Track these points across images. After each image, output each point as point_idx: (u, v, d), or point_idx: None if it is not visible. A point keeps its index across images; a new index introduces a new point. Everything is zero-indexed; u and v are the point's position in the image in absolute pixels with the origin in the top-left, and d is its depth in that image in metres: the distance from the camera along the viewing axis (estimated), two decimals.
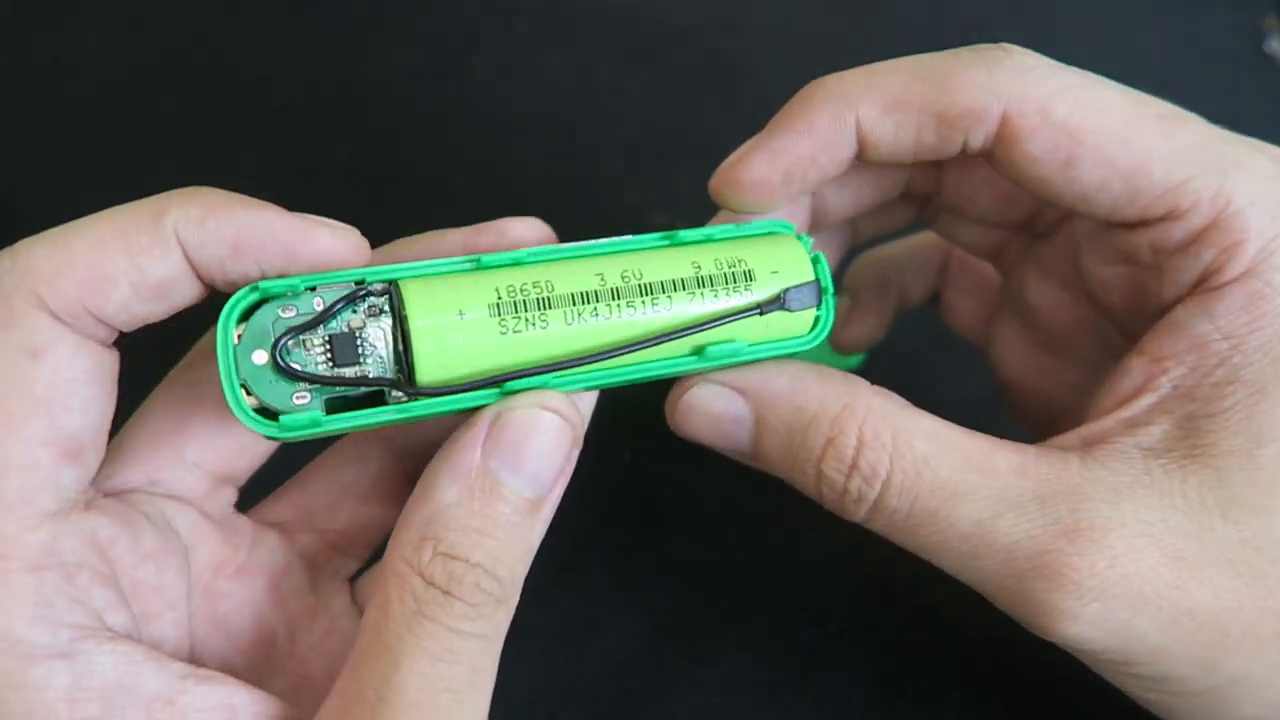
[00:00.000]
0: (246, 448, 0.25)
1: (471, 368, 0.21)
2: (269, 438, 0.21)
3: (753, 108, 0.42)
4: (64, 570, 0.20)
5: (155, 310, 0.21)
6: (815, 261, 0.24)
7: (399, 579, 0.20)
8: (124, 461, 0.23)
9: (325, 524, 0.26)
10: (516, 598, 0.21)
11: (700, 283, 0.23)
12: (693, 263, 0.23)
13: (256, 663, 0.24)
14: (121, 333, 0.21)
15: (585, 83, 0.42)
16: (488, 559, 0.20)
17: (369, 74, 0.42)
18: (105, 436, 0.21)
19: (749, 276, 0.23)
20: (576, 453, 0.22)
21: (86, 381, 0.20)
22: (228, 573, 0.24)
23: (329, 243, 0.21)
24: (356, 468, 0.26)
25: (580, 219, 0.39)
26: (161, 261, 0.20)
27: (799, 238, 0.24)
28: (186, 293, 0.21)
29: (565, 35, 0.43)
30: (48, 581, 0.20)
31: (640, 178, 0.39)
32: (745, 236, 0.24)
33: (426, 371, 0.21)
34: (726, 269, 0.23)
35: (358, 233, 0.22)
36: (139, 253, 0.20)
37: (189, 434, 0.24)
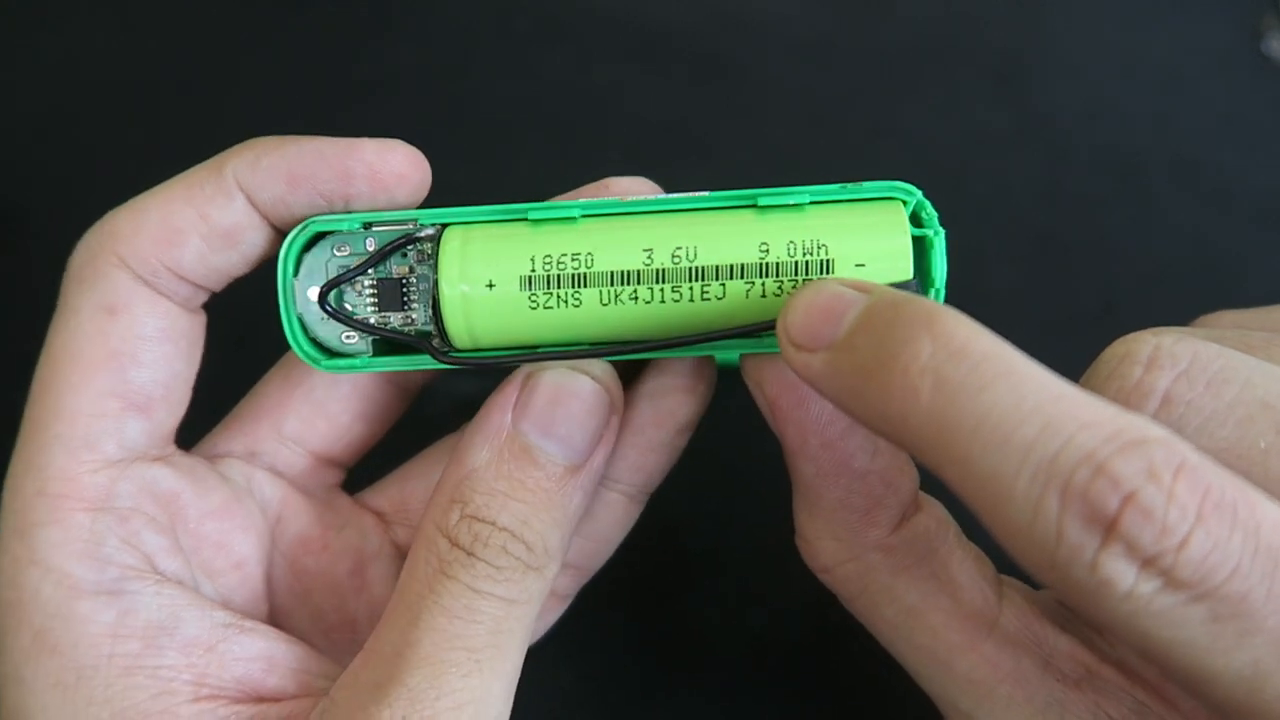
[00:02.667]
0: (343, 429, 0.25)
1: (501, 339, 0.21)
2: (319, 369, 0.22)
3: (753, 108, 0.42)
4: (119, 513, 0.21)
5: (230, 260, 0.22)
6: (927, 248, 0.20)
7: (426, 541, 0.20)
8: (229, 431, 0.24)
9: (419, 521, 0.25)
10: (553, 566, 0.21)
11: (763, 271, 0.19)
12: (761, 244, 0.19)
13: (338, 643, 0.24)
14: (213, 294, 0.22)
15: (585, 83, 0.42)
16: (514, 523, 0.20)
17: (369, 74, 0.42)
18: (182, 393, 0.22)
19: (826, 268, 0.19)
20: (616, 420, 0.22)
21: (160, 340, 0.21)
22: (313, 549, 0.24)
23: (377, 154, 0.21)
24: None
25: None
26: (226, 208, 0.21)
27: (917, 210, 0.20)
28: (257, 238, 0.22)
29: (565, 35, 0.43)
30: (102, 522, 0.20)
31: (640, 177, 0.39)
32: (845, 202, 0.20)
33: (457, 338, 0.21)
34: (801, 256, 0.19)
35: (405, 144, 0.22)
36: (204, 202, 0.21)
37: (287, 409, 0.24)
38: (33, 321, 0.22)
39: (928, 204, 0.20)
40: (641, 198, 0.21)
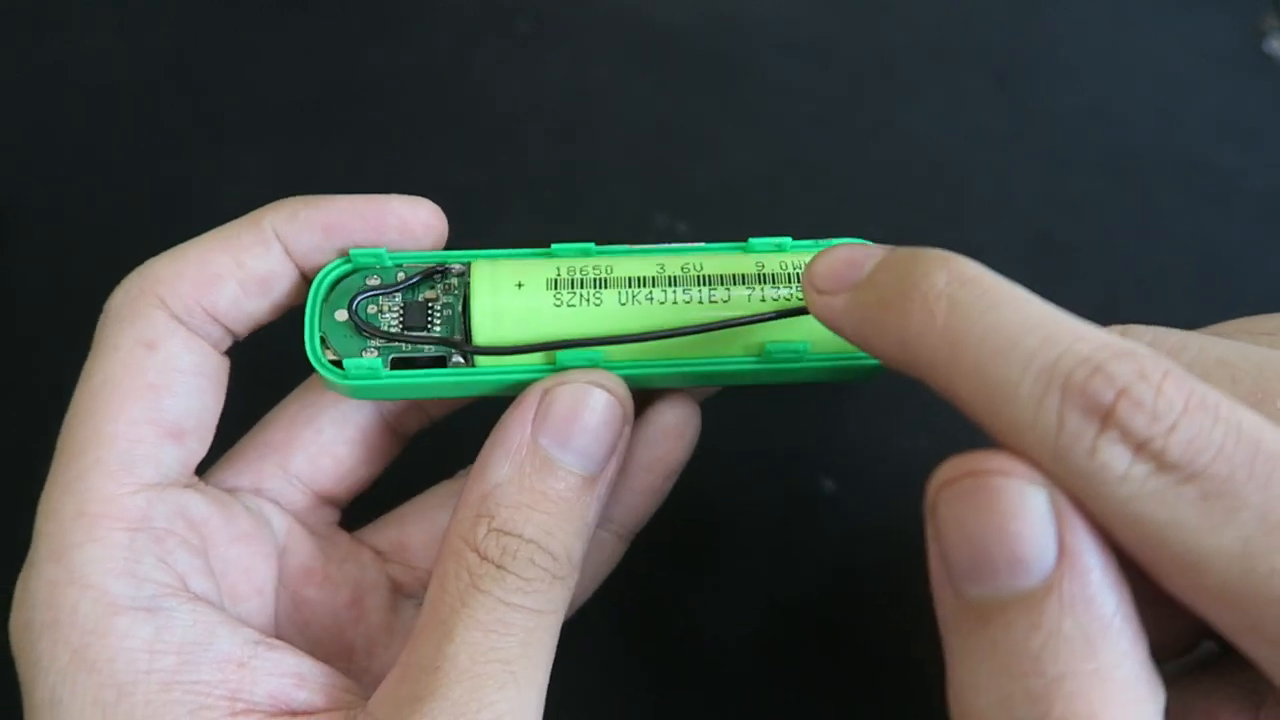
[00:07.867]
0: (347, 469, 0.26)
1: (525, 334, 0.22)
2: (334, 384, 0.23)
3: (753, 108, 0.42)
4: (154, 534, 0.21)
5: (262, 306, 0.23)
6: None
7: (455, 555, 0.21)
8: (234, 466, 0.25)
9: (418, 561, 0.26)
10: (575, 576, 0.21)
11: (762, 280, 0.23)
12: (757, 263, 0.23)
13: (335, 671, 0.24)
14: (237, 340, 0.24)
15: (585, 83, 0.42)
16: (540, 534, 0.21)
17: (369, 74, 0.42)
18: (209, 426, 0.23)
19: None
20: (629, 430, 0.22)
21: (193, 374, 0.23)
22: (315, 580, 0.25)
23: (406, 209, 0.24)
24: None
25: (580, 219, 0.39)
26: (263, 256, 0.23)
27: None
28: (288, 287, 0.24)
29: (565, 35, 0.43)
30: (139, 541, 0.21)
31: (640, 177, 0.39)
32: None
33: (481, 331, 0.22)
34: (792, 269, 0.23)
35: (430, 202, 0.24)
36: (241, 250, 0.23)
37: (295, 447, 0.25)
38: (29, 322, 0.22)
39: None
40: (642, 245, 0.24)
